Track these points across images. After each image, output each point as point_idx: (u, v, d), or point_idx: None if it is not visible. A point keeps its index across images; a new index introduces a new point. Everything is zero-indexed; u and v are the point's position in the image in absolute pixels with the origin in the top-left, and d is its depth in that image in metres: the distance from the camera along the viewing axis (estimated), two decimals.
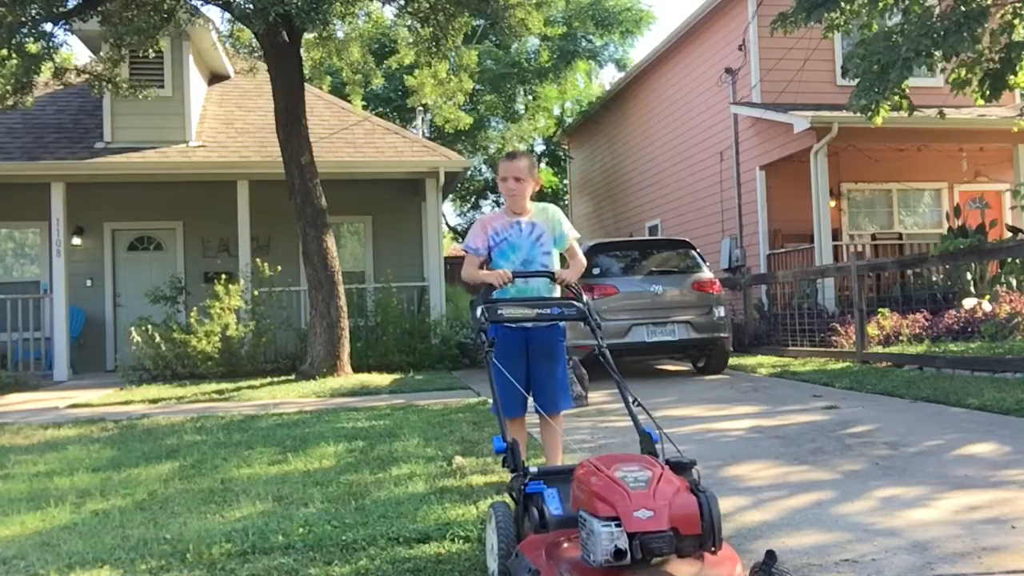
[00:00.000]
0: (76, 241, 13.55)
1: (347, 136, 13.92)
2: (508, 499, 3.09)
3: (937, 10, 9.63)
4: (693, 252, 10.30)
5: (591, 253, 10.07)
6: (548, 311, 3.51)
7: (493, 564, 2.74)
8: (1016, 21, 9.75)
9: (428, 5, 11.63)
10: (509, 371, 3.65)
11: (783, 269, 13.37)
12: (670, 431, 5.98)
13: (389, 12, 14.18)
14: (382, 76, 17.32)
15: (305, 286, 11.65)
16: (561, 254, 4.18)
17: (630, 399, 3.12)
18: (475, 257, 4.07)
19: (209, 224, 14.07)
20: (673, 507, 2.25)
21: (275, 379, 10.68)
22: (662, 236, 16.98)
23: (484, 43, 20.88)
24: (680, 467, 2.54)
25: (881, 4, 10.01)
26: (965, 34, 8.83)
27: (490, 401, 7.94)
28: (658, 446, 2.94)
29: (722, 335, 9.85)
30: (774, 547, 3.18)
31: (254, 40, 12.35)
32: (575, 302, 3.58)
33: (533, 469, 2.84)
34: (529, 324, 3.88)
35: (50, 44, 10.47)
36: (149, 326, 11.35)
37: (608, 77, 26.95)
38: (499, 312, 3.46)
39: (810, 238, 12.62)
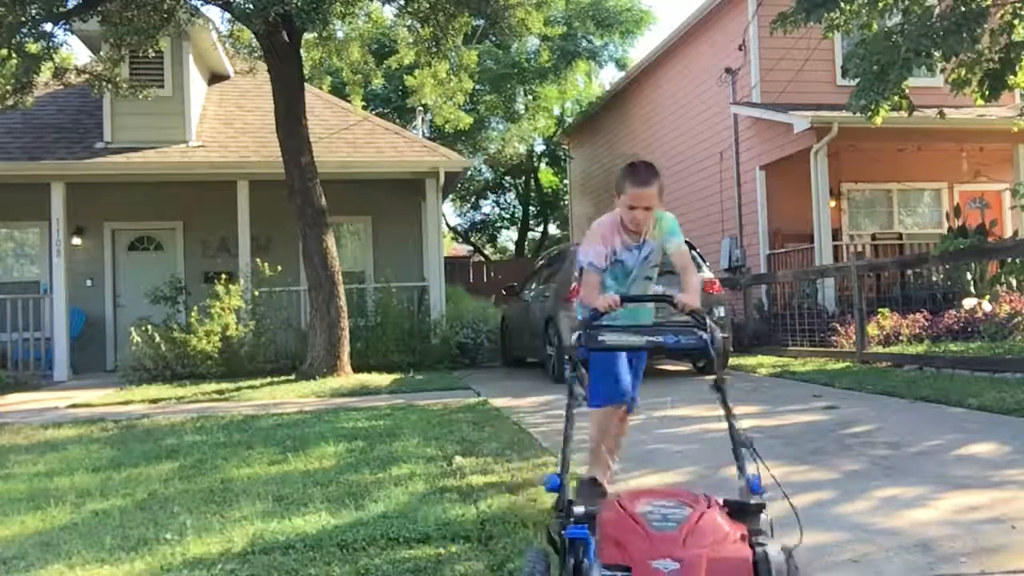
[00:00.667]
0: (76, 241, 13.54)
1: (347, 136, 13.91)
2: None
3: (937, 10, 9.63)
4: (693, 252, 10.28)
5: None
6: (661, 339, 2.90)
7: None
8: (1016, 21, 9.74)
9: (428, 5, 11.63)
10: (613, 361, 3.53)
11: (783, 269, 13.37)
12: (669, 431, 5.97)
13: (389, 12, 14.17)
14: (382, 76, 17.30)
15: (305, 286, 11.64)
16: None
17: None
18: (596, 275, 3.60)
19: (209, 224, 14.06)
20: (712, 560, 1.76)
21: (275, 379, 10.68)
22: None
23: (484, 43, 20.85)
24: (742, 510, 1.98)
25: (881, 4, 10.00)
26: (965, 34, 8.83)
27: (491, 401, 7.97)
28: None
29: (722, 335, 9.84)
30: (774, 547, 3.18)
31: (254, 40, 12.33)
32: (696, 328, 3.00)
33: (580, 509, 2.23)
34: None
35: (50, 44, 10.47)
36: (149, 326, 11.34)
37: (608, 77, 26.97)
38: (600, 339, 2.93)
39: (810, 238, 12.62)
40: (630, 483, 4.31)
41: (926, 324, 10.43)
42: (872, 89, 9.23)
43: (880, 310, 10.67)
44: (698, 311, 3.10)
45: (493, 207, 32.22)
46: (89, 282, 13.91)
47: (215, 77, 15.60)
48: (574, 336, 3.06)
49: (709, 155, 15.75)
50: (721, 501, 2.03)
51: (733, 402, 2.70)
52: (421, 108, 18.52)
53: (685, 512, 1.88)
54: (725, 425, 2.70)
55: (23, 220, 13.79)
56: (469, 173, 24.54)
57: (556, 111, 26.70)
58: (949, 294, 11.56)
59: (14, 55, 10.16)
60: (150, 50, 11.17)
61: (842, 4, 9.82)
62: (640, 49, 35.57)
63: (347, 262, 13.53)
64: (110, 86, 11.76)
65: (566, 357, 3.10)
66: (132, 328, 11.54)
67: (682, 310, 3.16)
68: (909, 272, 11.97)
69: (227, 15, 12.50)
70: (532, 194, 29.49)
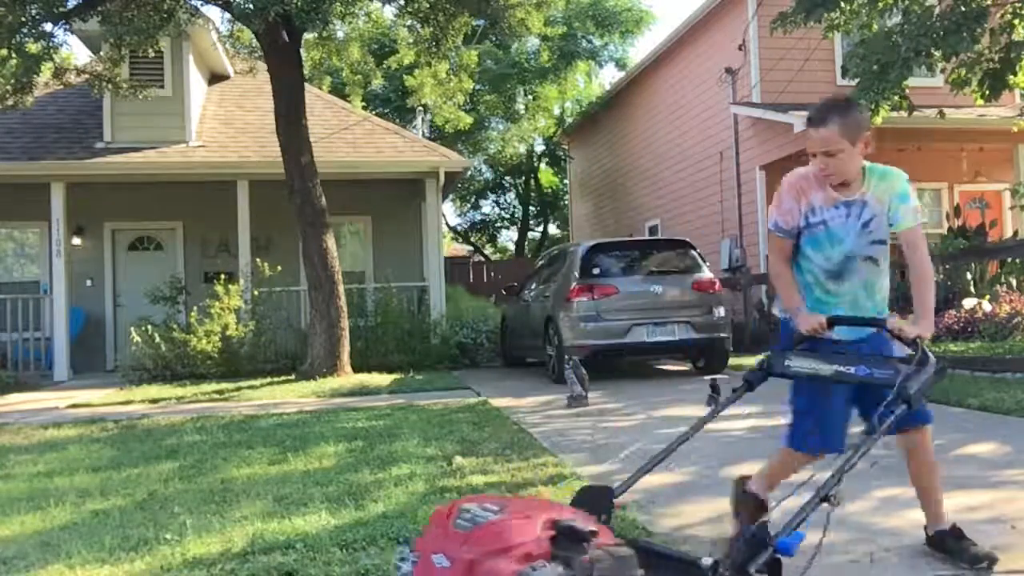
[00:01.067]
0: (76, 241, 13.54)
1: (347, 136, 13.91)
2: None
3: (937, 10, 9.63)
4: (693, 252, 10.30)
5: (591, 253, 10.08)
6: (852, 371, 2.56)
7: None
8: (1016, 21, 9.74)
9: (428, 5, 11.63)
10: (820, 394, 2.77)
11: None
12: (670, 431, 5.97)
13: (389, 12, 14.17)
14: (382, 76, 17.31)
15: (305, 286, 11.64)
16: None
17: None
18: (786, 240, 2.95)
19: (209, 224, 14.06)
20: (475, 565, 1.74)
21: (275, 379, 10.68)
22: (662, 236, 16.98)
23: (484, 43, 20.87)
24: (570, 535, 1.83)
25: (881, 4, 10.01)
26: (965, 34, 8.83)
27: (491, 401, 7.96)
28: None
29: (722, 335, 9.85)
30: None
31: (254, 40, 12.34)
32: (898, 362, 2.52)
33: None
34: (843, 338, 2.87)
35: (50, 44, 10.47)
36: (149, 326, 11.34)
37: (608, 77, 26.98)
38: (787, 363, 2.70)
39: None
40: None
41: None
42: (872, 89, 9.23)
43: None
44: (920, 341, 2.51)
45: (493, 207, 32.24)
46: (89, 282, 13.91)
47: (215, 77, 15.60)
48: (760, 358, 2.74)
49: (709, 155, 15.74)
50: (554, 519, 1.90)
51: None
52: (421, 108, 18.54)
53: (487, 516, 1.85)
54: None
55: (23, 220, 13.79)
56: (469, 173, 24.54)
57: (556, 111, 26.71)
58: (949, 294, 11.55)
59: (14, 55, 10.16)
60: (150, 50, 11.16)
61: (842, 4, 9.83)
62: (640, 49, 35.60)
63: (347, 262, 13.53)
64: (110, 86, 11.76)
65: (746, 381, 2.73)
66: (132, 328, 11.54)
67: (897, 336, 2.60)
68: None
69: (227, 15, 12.50)
70: (532, 194, 29.50)
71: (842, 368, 2.58)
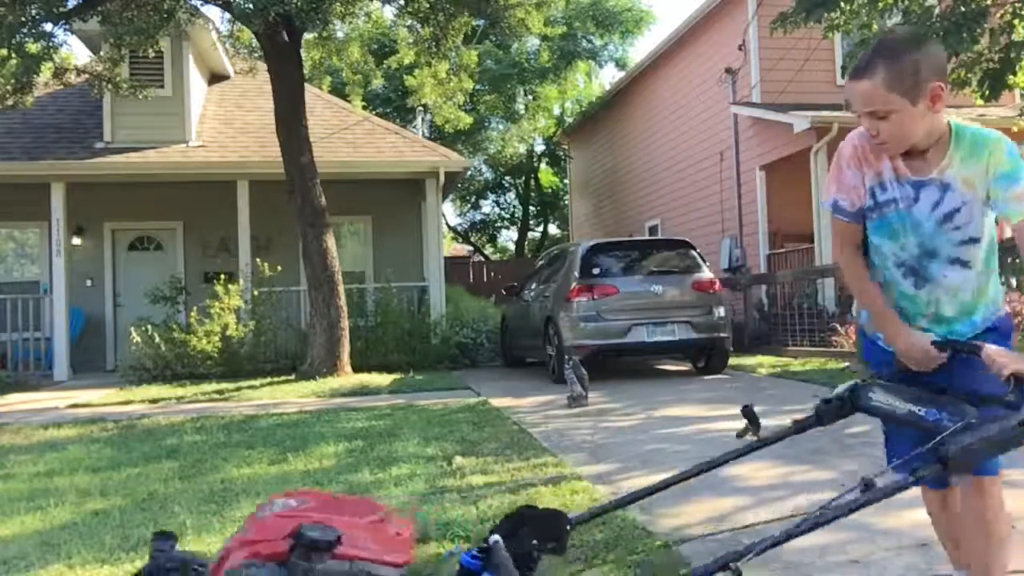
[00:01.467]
0: (76, 241, 13.54)
1: (347, 136, 13.91)
2: None
3: (937, 10, 9.64)
4: (693, 252, 10.29)
5: (591, 253, 10.09)
6: (923, 413, 2.03)
7: None
8: (1016, 21, 9.74)
9: (428, 5, 11.64)
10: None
11: (783, 269, 13.37)
12: (670, 431, 5.98)
13: (389, 12, 14.18)
14: (382, 76, 17.32)
15: (305, 286, 11.65)
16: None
17: None
18: (851, 226, 2.30)
19: (209, 224, 14.06)
20: (240, 546, 1.80)
21: (275, 379, 10.68)
22: (662, 236, 16.99)
23: (484, 43, 20.88)
24: (305, 543, 1.74)
25: (881, 4, 10.01)
26: (965, 34, 8.83)
27: (491, 401, 7.96)
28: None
29: (722, 335, 9.85)
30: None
31: (254, 40, 12.35)
32: (970, 403, 1.98)
33: (494, 537, 1.98)
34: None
35: (50, 44, 10.47)
36: (149, 326, 11.34)
37: (608, 77, 26.98)
38: (869, 396, 2.17)
39: (810, 238, 12.61)
40: (625, 484, 4.31)
41: None
42: None
43: None
44: (1015, 380, 1.88)
45: (493, 207, 32.25)
46: (89, 282, 13.91)
47: (215, 77, 15.61)
48: (841, 387, 2.23)
49: (709, 155, 15.75)
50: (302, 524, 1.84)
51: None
52: (421, 108, 18.54)
53: (273, 511, 1.88)
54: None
55: (23, 220, 13.79)
56: (469, 173, 24.54)
57: (556, 111, 26.72)
58: None
59: (14, 55, 10.17)
60: (150, 50, 11.16)
61: (842, 4, 9.83)
62: (640, 49, 35.63)
63: (347, 262, 13.52)
64: (110, 86, 11.77)
65: (816, 415, 2.29)
66: (132, 328, 11.54)
67: (989, 368, 1.96)
68: None
69: (227, 15, 12.51)
70: (532, 194, 29.52)
71: (915, 408, 2.07)
